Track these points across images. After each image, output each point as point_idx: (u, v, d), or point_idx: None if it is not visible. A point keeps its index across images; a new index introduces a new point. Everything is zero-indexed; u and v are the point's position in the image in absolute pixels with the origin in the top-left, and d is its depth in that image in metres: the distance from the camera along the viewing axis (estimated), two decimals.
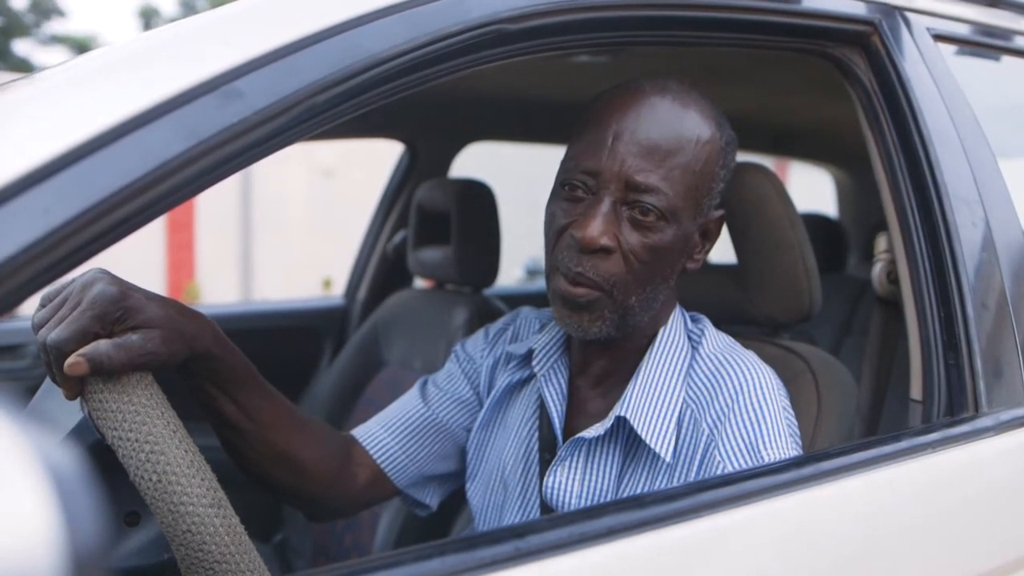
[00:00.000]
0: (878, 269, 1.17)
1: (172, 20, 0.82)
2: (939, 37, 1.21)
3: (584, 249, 0.91)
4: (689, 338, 1.02)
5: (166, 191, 0.63)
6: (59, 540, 0.33)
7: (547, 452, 1.03)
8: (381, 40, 0.74)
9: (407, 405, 1.13)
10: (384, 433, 1.10)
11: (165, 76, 0.66)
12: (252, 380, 0.91)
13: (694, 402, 0.97)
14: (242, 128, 0.66)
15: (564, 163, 0.97)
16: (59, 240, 0.58)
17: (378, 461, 1.08)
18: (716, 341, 1.02)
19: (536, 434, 1.05)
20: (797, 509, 0.83)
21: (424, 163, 2.34)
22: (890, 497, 0.91)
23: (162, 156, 0.62)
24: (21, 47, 16.67)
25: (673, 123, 0.93)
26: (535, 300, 2.28)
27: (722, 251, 1.19)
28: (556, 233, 0.95)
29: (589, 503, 0.97)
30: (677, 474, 0.95)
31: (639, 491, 0.96)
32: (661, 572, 0.73)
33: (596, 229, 0.90)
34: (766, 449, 0.92)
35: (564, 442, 1.00)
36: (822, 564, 0.83)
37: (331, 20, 0.73)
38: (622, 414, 0.95)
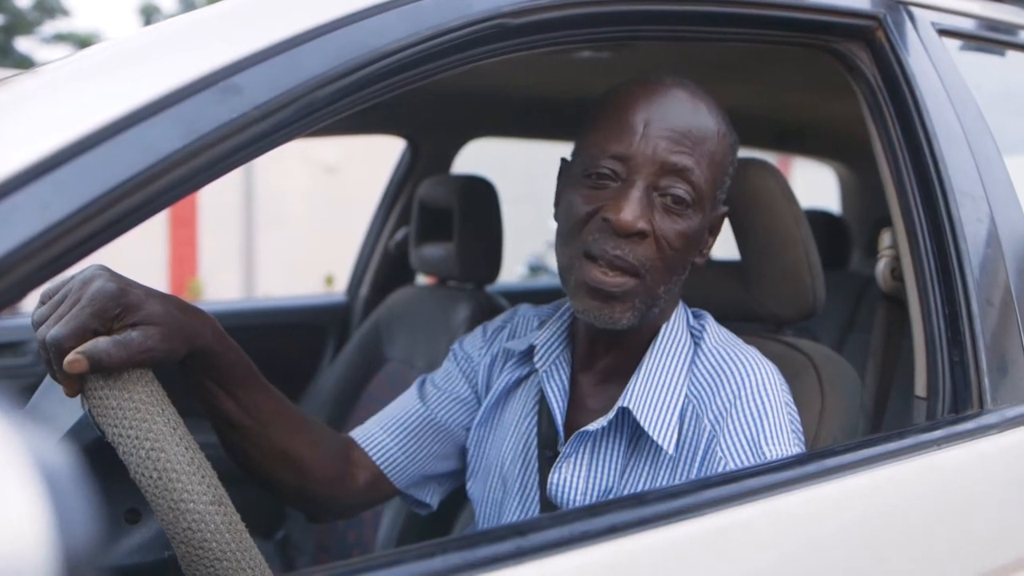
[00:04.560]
0: (882, 265, 1.17)
1: (172, 16, 0.82)
2: (944, 32, 1.20)
3: (620, 232, 0.90)
4: (691, 334, 1.02)
5: (165, 186, 0.62)
6: (52, 539, 0.33)
7: (547, 448, 1.03)
8: (381, 35, 0.73)
9: (406, 405, 1.13)
10: (383, 434, 1.10)
11: (164, 71, 0.66)
12: (252, 377, 0.91)
13: (697, 397, 0.97)
14: (241, 124, 0.65)
15: (585, 151, 0.96)
16: (58, 236, 0.58)
17: (377, 462, 1.08)
18: (718, 336, 1.02)
19: (535, 430, 1.05)
20: (800, 507, 0.82)
21: (426, 159, 2.33)
22: (894, 495, 0.90)
23: (161, 151, 0.62)
24: (24, 44, 16.70)
25: (698, 114, 0.94)
26: (538, 296, 2.27)
27: (725, 248, 1.18)
28: (581, 220, 0.94)
29: (594, 499, 0.97)
30: (679, 469, 0.94)
31: (642, 485, 0.95)
32: (663, 570, 0.73)
33: (632, 212, 0.89)
34: (768, 445, 0.91)
35: (565, 437, 1.00)
36: (825, 562, 0.83)
37: (331, 15, 0.73)
38: (625, 405, 0.95)
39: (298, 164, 10.49)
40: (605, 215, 0.91)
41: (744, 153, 1.07)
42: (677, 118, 0.93)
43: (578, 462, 0.98)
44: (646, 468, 0.96)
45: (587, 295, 0.93)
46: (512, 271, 8.65)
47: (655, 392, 0.96)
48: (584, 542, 0.69)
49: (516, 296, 1.88)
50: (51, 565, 0.33)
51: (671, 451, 0.93)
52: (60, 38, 16.77)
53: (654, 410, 0.95)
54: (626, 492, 0.96)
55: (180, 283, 10.53)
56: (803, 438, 0.97)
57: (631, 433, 0.97)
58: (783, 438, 0.92)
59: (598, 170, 0.93)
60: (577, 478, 0.98)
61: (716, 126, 0.95)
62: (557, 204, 1.01)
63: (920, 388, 1.06)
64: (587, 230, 0.93)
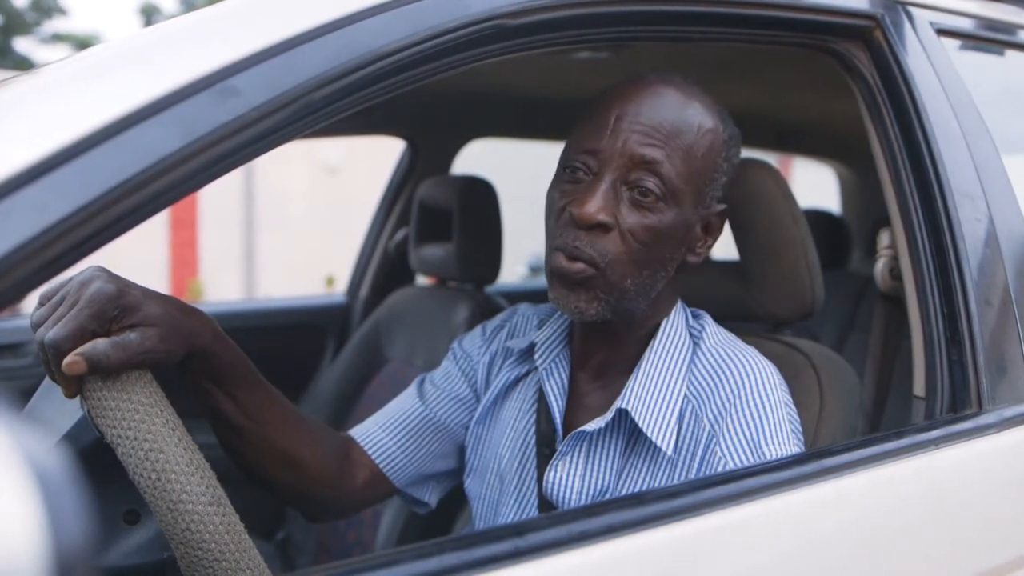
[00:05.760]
0: (881, 265, 1.17)
1: (172, 17, 0.82)
2: (942, 31, 1.20)
3: (581, 225, 0.91)
4: (690, 333, 1.02)
5: (162, 188, 0.62)
6: (44, 540, 0.33)
7: (545, 447, 1.03)
8: (379, 36, 0.73)
9: (405, 404, 1.13)
10: (382, 433, 1.10)
11: (161, 73, 0.66)
12: (251, 378, 0.91)
13: (695, 397, 0.97)
14: (238, 125, 0.65)
15: (565, 149, 0.98)
16: (56, 237, 0.58)
17: (376, 461, 1.08)
18: (717, 336, 1.02)
19: (533, 428, 1.05)
20: (799, 507, 0.82)
21: (426, 160, 2.34)
22: (892, 494, 0.90)
23: (158, 153, 0.62)
24: (22, 45, 16.71)
25: (676, 109, 0.94)
26: (537, 296, 2.28)
27: (724, 248, 1.18)
28: (556, 215, 0.95)
29: (590, 498, 0.97)
30: (678, 469, 0.94)
31: (640, 485, 0.95)
32: (661, 570, 0.73)
33: (594, 205, 0.90)
34: (768, 445, 0.91)
35: (564, 435, 1.00)
36: (823, 562, 0.83)
37: (328, 16, 0.73)
38: (623, 406, 0.95)
39: (299, 165, 10.50)
40: (570, 208, 0.92)
41: (744, 153, 1.07)
42: (650, 112, 0.93)
43: (574, 461, 0.98)
44: (644, 468, 0.96)
45: (556, 284, 0.94)
46: (512, 271, 8.65)
47: (653, 392, 0.96)
48: (582, 542, 0.69)
49: (516, 296, 1.88)
50: (44, 566, 0.33)
51: (669, 452, 0.93)
52: (58, 38, 16.78)
53: (652, 411, 0.95)
54: (624, 492, 0.96)
55: (181, 284, 10.53)
56: (803, 438, 0.97)
57: (629, 433, 0.97)
58: (783, 438, 0.92)
59: (572, 165, 0.94)
60: (573, 477, 0.98)
61: (697, 120, 0.95)
62: None
63: (918, 388, 1.06)
64: (559, 224, 0.94)
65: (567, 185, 0.95)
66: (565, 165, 0.96)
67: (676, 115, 0.94)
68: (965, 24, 1.26)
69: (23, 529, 0.33)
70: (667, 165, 0.92)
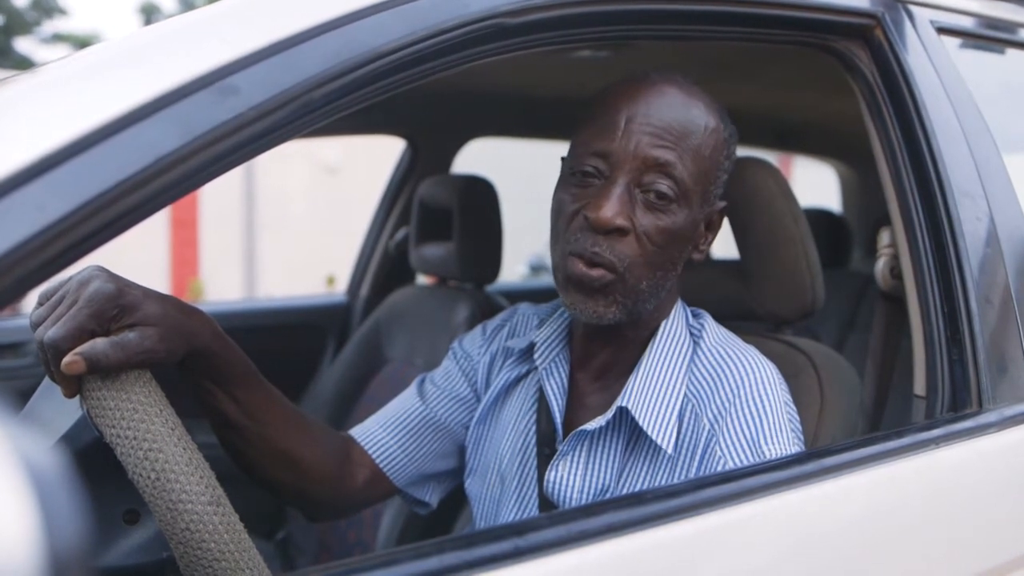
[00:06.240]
0: (881, 264, 1.17)
1: (171, 16, 0.82)
2: (943, 30, 1.20)
3: (599, 229, 0.91)
4: (691, 333, 1.02)
5: (161, 187, 0.62)
6: (39, 540, 0.33)
7: (545, 446, 1.03)
8: (378, 35, 0.73)
9: (405, 404, 1.13)
10: (382, 432, 1.10)
11: (160, 72, 0.66)
12: (251, 378, 0.91)
13: (695, 396, 0.97)
14: (238, 124, 0.65)
15: (573, 150, 0.98)
16: (54, 236, 0.58)
17: (377, 460, 1.08)
18: (717, 335, 1.02)
19: (534, 428, 1.05)
20: (799, 506, 0.82)
21: (426, 159, 2.34)
22: (893, 494, 0.90)
23: (157, 152, 0.62)
24: (23, 45, 16.72)
25: (683, 109, 0.94)
26: (538, 296, 2.28)
27: (725, 247, 1.18)
28: (567, 218, 0.95)
29: (590, 497, 0.97)
30: (678, 468, 0.94)
31: (640, 484, 0.95)
32: (661, 570, 0.73)
33: (611, 209, 0.90)
34: (767, 444, 0.91)
35: (564, 435, 1.00)
36: (823, 561, 0.83)
37: (328, 15, 0.73)
38: (624, 405, 0.95)
39: (299, 164, 10.50)
40: (585, 212, 0.92)
41: (744, 152, 1.07)
42: (660, 113, 0.93)
43: (575, 460, 0.98)
44: (644, 467, 0.96)
45: (572, 290, 0.94)
46: (512, 271, 8.65)
47: (654, 391, 0.96)
48: (582, 541, 0.69)
49: (516, 296, 1.88)
50: (39, 566, 0.33)
51: (670, 450, 0.93)
52: (59, 38, 16.79)
53: (653, 409, 0.95)
54: (624, 491, 0.96)
55: (181, 284, 10.53)
56: (802, 437, 0.97)
57: (630, 432, 0.97)
58: (782, 437, 0.92)
59: (583, 168, 0.94)
60: (574, 476, 0.98)
61: (703, 120, 0.95)
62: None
63: (919, 387, 1.06)
64: (572, 228, 0.94)
65: (576, 188, 0.95)
66: (574, 167, 0.95)
67: (684, 115, 0.94)
68: (966, 23, 1.26)
69: (18, 529, 0.33)
70: (680, 167, 0.92)
